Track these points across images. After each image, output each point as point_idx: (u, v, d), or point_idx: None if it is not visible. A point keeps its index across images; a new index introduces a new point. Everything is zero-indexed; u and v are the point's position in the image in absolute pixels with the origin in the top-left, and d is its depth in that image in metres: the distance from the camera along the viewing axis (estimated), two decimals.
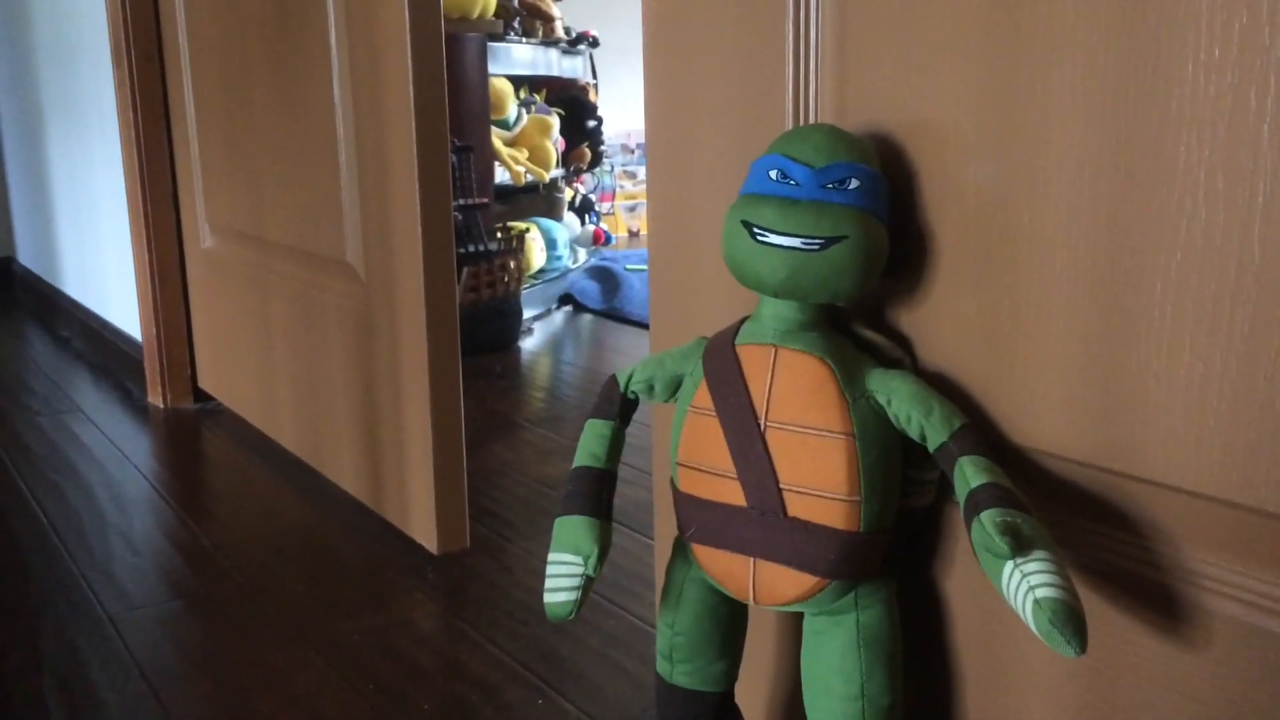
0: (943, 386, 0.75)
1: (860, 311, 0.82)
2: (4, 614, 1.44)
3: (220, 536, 1.72)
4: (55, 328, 3.32)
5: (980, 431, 0.72)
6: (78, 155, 2.94)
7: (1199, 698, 0.64)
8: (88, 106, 2.75)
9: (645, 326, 0.93)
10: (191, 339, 2.46)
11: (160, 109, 2.38)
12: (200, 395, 2.47)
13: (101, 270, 2.87)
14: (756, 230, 0.73)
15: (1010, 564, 0.63)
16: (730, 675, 0.86)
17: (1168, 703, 0.66)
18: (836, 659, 0.78)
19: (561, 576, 0.78)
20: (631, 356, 0.87)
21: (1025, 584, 0.62)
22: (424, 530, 1.61)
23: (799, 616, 0.85)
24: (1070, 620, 0.60)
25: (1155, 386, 0.64)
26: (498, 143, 3.36)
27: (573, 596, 0.78)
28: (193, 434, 2.30)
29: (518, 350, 3.10)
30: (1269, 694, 0.61)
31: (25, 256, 3.83)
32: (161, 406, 2.45)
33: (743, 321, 0.79)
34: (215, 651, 1.34)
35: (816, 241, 0.71)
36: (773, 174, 0.74)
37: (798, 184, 0.72)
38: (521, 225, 3.45)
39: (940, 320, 0.76)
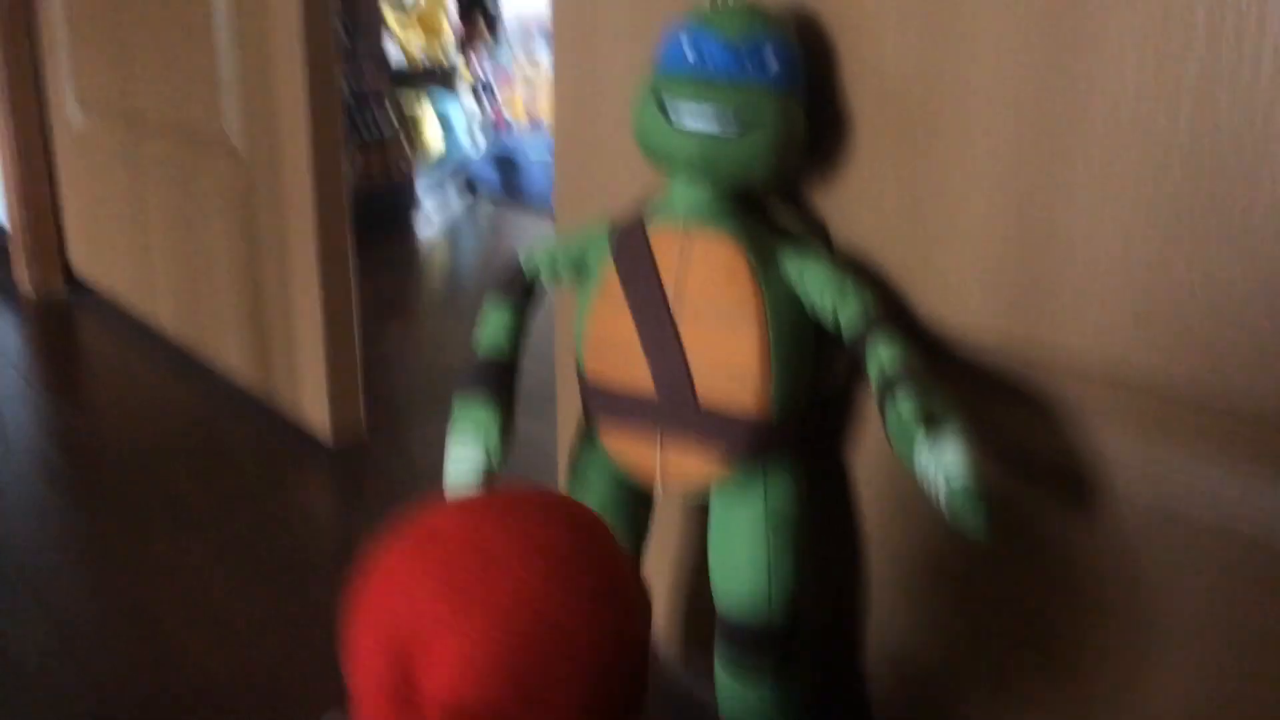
0: (858, 269, 0.74)
1: (776, 193, 0.79)
2: None
3: (97, 424, 1.64)
4: None
5: (895, 315, 0.71)
6: None
7: (1105, 579, 0.66)
8: None
9: (547, 214, 0.89)
10: (61, 222, 2.32)
11: None
12: (73, 282, 2.34)
13: None
14: (671, 110, 0.69)
15: (922, 445, 0.62)
16: (635, 556, 0.86)
17: (1073, 584, 0.67)
18: (743, 540, 0.78)
19: (462, 464, 0.76)
20: (534, 243, 0.85)
21: (936, 465, 0.62)
22: (317, 420, 1.56)
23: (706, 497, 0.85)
24: (978, 504, 0.60)
25: (1073, 269, 0.64)
26: (391, 20, 3.21)
27: (471, 484, 0.76)
28: (65, 322, 2.18)
29: (414, 238, 3.02)
30: (1173, 575, 0.63)
31: None
32: (32, 293, 2.32)
33: (651, 202, 0.76)
34: (99, 544, 1.28)
35: (733, 119, 0.68)
36: (689, 52, 0.70)
37: (715, 62, 0.69)
38: (418, 105, 3.32)
39: (858, 202, 0.75)
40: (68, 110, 2.17)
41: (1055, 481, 0.67)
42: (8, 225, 2.34)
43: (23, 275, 2.33)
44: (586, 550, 0.42)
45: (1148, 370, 0.61)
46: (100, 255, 2.21)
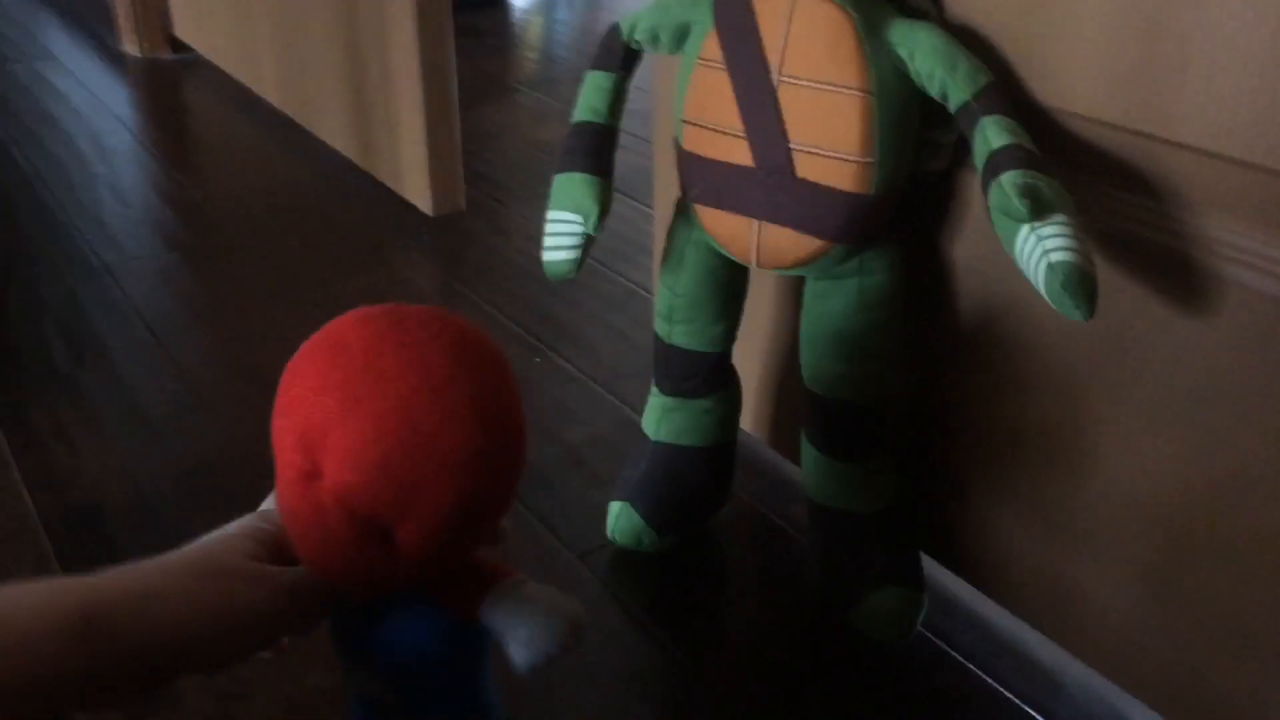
0: (971, 41, 0.70)
1: None
2: (9, 260, 1.43)
3: (209, 190, 1.69)
4: None
5: (1006, 90, 0.68)
6: None
7: (1209, 366, 0.64)
8: None
9: None
10: None
11: None
12: (178, 46, 2.35)
13: None
14: None
15: (1026, 228, 0.61)
16: (728, 337, 0.87)
17: (1177, 371, 0.66)
18: (837, 322, 0.78)
19: (561, 235, 0.77)
20: (632, 11, 0.82)
21: (1040, 248, 0.60)
22: (418, 191, 1.58)
23: (800, 280, 0.85)
24: (1082, 284, 0.59)
25: (1197, 43, 0.60)
26: None
27: (572, 255, 0.77)
28: (171, 85, 2.21)
29: (508, 7, 2.94)
30: None
31: None
32: (138, 55, 2.34)
33: None
34: (213, 302, 1.35)
35: None
36: None
37: None
38: None
39: None
40: None
41: (1163, 266, 0.65)
42: None
43: (129, 36, 2.35)
44: (472, 379, 0.48)
45: (1268, 149, 0.58)
46: (203, 22, 2.21)
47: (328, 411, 0.46)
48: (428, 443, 0.46)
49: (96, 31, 2.52)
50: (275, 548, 0.52)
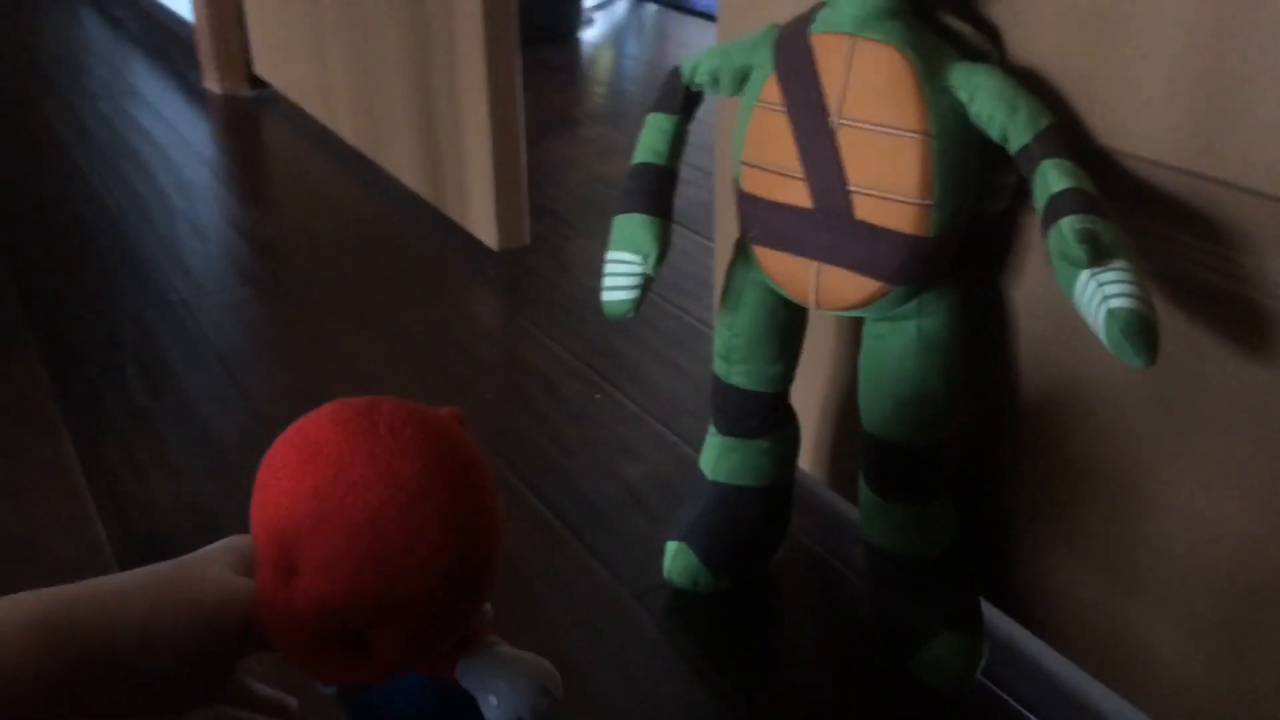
0: (1032, 83, 0.69)
1: None
2: (79, 294, 1.48)
3: (283, 225, 1.73)
4: (108, 9, 3.24)
5: (1067, 132, 0.67)
6: None
7: (1273, 415, 0.63)
8: None
9: (713, 19, 0.86)
10: (246, 25, 2.39)
11: None
12: (257, 85, 2.42)
13: None
14: None
15: (1086, 273, 0.60)
16: (786, 377, 0.87)
17: (1240, 418, 0.65)
18: (895, 364, 0.77)
19: (620, 275, 0.77)
20: (697, 50, 0.82)
21: (1100, 294, 0.59)
22: (484, 226, 1.61)
23: (858, 321, 0.84)
24: (1142, 331, 0.58)
25: (1264, 86, 0.58)
26: None
27: (631, 295, 0.77)
28: (250, 121, 2.27)
29: (577, 42, 2.98)
30: None
31: None
32: (218, 92, 2.41)
33: (818, 8, 0.73)
34: (285, 336, 1.38)
35: None
36: None
37: None
38: None
39: (1034, 7, 0.70)
40: None
41: (1228, 313, 0.64)
42: (195, 24, 2.43)
43: (210, 77, 2.42)
44: (443, 490, 0.48)
45: None
46: (281, 60, 2.27)
47: (300, 518, 0.46)
48: (398, 556, 0.46)
49: (180, 69, 2.60)
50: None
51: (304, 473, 0.47)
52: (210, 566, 0.50)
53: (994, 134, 0.68)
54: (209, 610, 0.48)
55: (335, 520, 0.46)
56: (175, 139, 2.13)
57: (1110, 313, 0.58)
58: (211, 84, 2.43)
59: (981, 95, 0.67)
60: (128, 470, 1.09)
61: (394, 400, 0.50)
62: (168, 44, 2.74)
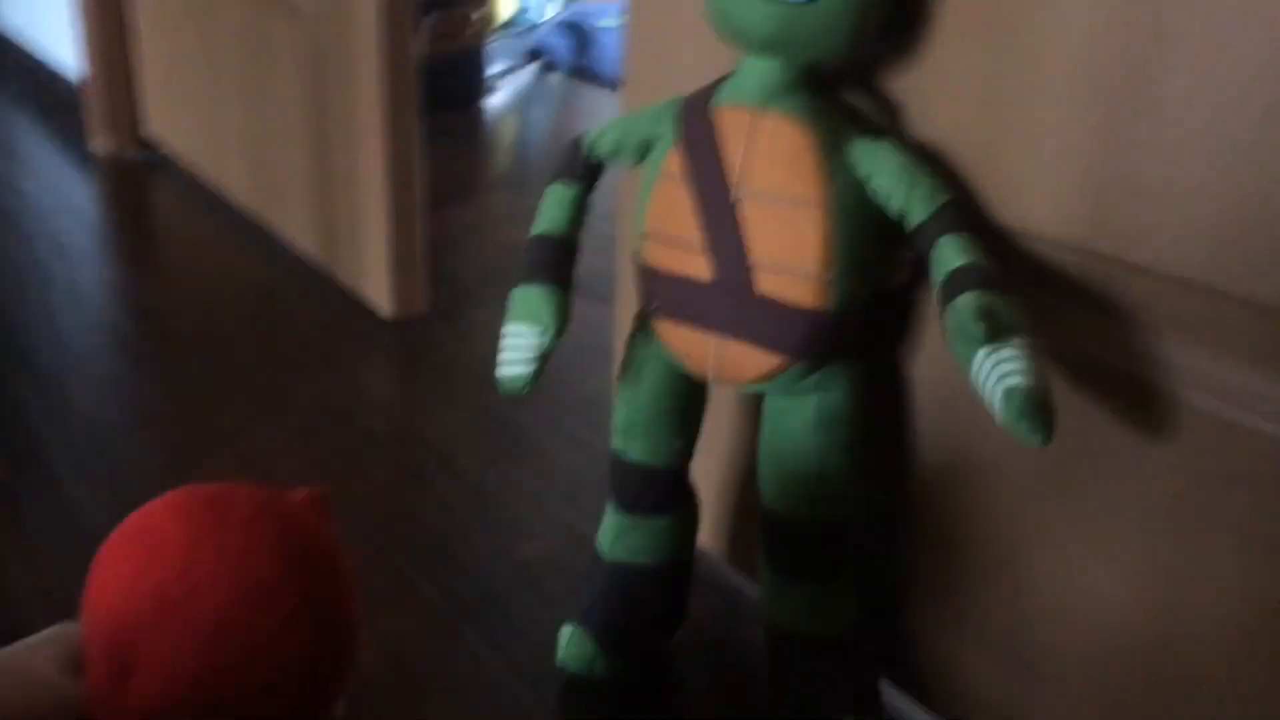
0: (931, 158, 0.69)
1: (849, 73, 0.75)
2: None
3: (167, 292, 1.66)
4: None
5: (965, 209, 0.67)
6: None
7: (1168, 491, 0.63)
8: None
9: (617, 88, 0.86)
10: (135, 83, 2.32)
11: None
12: (145, 144, 2.35)
13: (42, 1, 2.67)
14: None
15: (982, 351, 0.60)
16: (686, 453, 0.85)
17: (1136, 496, 0.64)
18: (795, 439, 0.76)
19: (517, 348, 0.75)
20: (602, 119, 0.82)
21: (996, 372, 0.59)
22: (380, 293, 1.57)
23: (759, 396, 0.83)
24: (1038, 410, 0.57)
25: (1158, 172, 0.59)
26: None
27: (527, 369, 0.74)
28: (137, 184, 2.20)
29: (481, 109, 2.97)
30: (1238, 488, 0.60)
31: None
32: (104, 153, 2.33)
33: (722, 81, 0.72)
34: (162, 410, 1.31)
35: None
36: None
37: None
38: None
39: (936, 83, 0.70)
40: None
41: (1120, 391, 0.64)
42: (83, 83, 2.35)
43: (96, 134, 2.34)
44: (298, 586, 0.45)
45: (1228, 281, 0.57)
46: (173, 117, 2.21)
47: (140, 616, 0.43)
48: (249, 658, 0.43)
49: (65, 128, 2.51)
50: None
51: (146, 567, 0.44)
52: (37, 663, 0.46)
53: (893, 210, 0.67)
54: (39, 716, 0.44)
55: (179, 620, 0.43)
56: (57, 203, 2.04)
57: (1007, 391, 0.58)
58: (97, 145, 2.35)
59: (881, 172, 0.67)
60: None
61: (244, 488, 0.47)
62: (51, 103, 2.65)
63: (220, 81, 1.91)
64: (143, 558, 0.44)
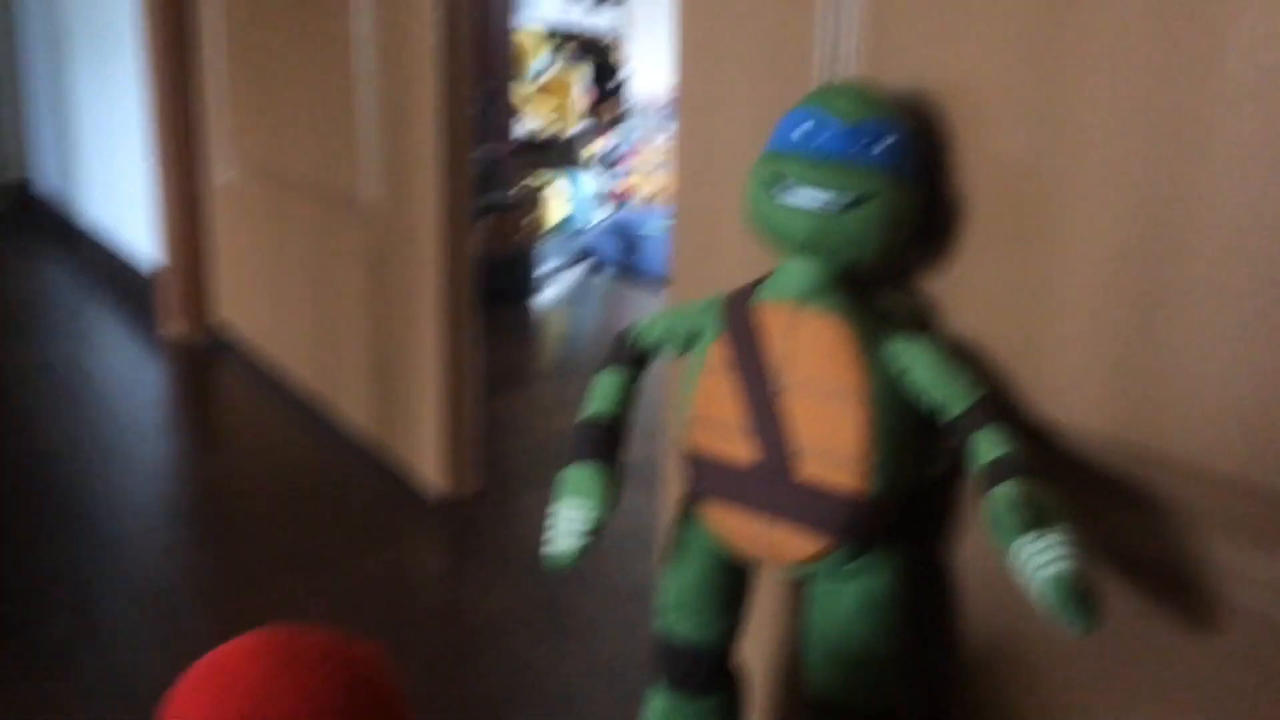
0: (966, 354, 0.74)
1: (887, 275, 0.80)
2: (15, 534, 1.44)
3: (229, 469, 1.72)
4: (71, 254, 3.32)
5: (1000, 402, 0.70)
6: (103, 81, 2.92)
7: (1212, 689, 0.63)
8: (119, 29, 2.72)
9: (662, 288, 0.92)
10: (206, 272, 2.46)
11: (184, 38, 2.35)
12: (215, 331, 2.47)
13: (121, 197, 2.86)
14: (782, 188, 0.71)
15: (1022, 539, 0.62)
16: (732, 634, 0.86)
17: (1178, 691, 0.65)
18: (841, 624, 0.77)
19: (565, 524, 0.78)
20: (644, 315, 0.88)
21: (1037, 560, 0.61)
22: (434, 475, 1.61)
23: (803, 583, 0.84)
24: (1080, 597, 0.59)
25: (1187, 366, 0.63)
26: (520, 90, 3.33)
27: (573, 544, 0.77)
28: (205, 368, 2.30)
29: (531, 304, 3.09)
30: (1277, 691, 0.60)
31: (44, 181, 3.82)
32: (175, 339, 2.45)
33: (763, 279, 0.78)
34: (220, 582, 1.34)
35: (844, 198, 0.70)
36: (802, 128, 0.72)
37: (828, 139, 0.71)
38: (542, 177, 3.43)
39: (968, 287, 0.75)
40: (223, 167, 2.32)
41: (1163, 586, 0.65)
42: (158, 272, 2.49)
43: (168, 320, 2.47)
44: (358, 717, 0.47)
45: (1265, 479, 0.60)
46: (242, 306, 2.33)
47: None
48: None
49: (138, 314, 2.64)
50: None
51: (219, 704, 0.45)
52: None
53: (929, 404, 0.71)
54: None
55: None
56: (125, 384, 2.14)
57: (1047, 579, 0.60)
58: (168, 329, 2.47)
59: (917, 367, 0.71)
60: (41, 719, 1.03)
61: (315, 632, 0.49)
62: (127, 289, 2.80)
63: (289, 273, 2.03)
64: (216, 695, 0.46)
